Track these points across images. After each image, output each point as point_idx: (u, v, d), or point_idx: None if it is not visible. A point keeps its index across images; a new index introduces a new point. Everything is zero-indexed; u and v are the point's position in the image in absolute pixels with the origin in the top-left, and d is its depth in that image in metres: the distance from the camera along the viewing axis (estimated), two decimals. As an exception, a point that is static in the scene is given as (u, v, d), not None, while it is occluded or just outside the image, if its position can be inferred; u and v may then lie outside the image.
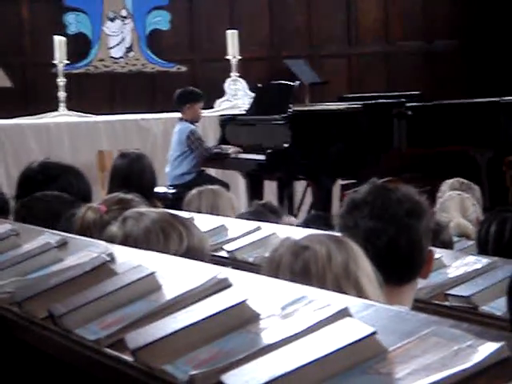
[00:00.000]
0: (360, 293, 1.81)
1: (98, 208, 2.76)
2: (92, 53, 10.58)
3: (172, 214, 2.35)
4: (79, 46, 10.40)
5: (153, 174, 4.84)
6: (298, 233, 2.04)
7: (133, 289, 1.68)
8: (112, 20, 10.68)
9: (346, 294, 1.75)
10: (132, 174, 4.70)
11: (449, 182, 4.92)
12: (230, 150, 7.74)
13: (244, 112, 8.40)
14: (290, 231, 2.96)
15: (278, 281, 1.68)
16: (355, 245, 1.89)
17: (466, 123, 7.58)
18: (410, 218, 2.19)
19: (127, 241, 2.22)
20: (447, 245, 3.48)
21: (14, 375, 1.96)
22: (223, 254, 3.23)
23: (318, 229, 2.63)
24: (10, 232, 2.36)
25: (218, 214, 4.16)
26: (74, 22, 10.46)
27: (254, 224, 3.47)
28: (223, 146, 7.88)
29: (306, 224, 3.95)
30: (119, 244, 2.17)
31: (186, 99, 7.99)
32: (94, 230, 2.70)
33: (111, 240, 2.23)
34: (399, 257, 1.90)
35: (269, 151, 7.12)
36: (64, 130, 8.77)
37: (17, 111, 9.34)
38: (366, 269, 1.87)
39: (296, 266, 1.84)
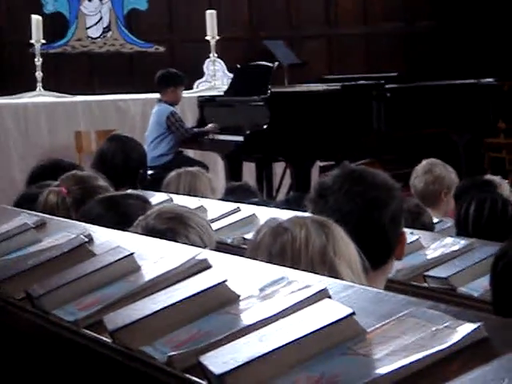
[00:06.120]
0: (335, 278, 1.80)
1: (59, 190, 2.72)
2: (69, 32, 10.50)
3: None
4: (56, 26, 10.30)
5: (141, 157, 4.66)
6: (284, 214, 2.02)
7: (111, 270, 1.67)
8: (90, -1, 10.60)
9: None
10: (122, 157, 4.52)
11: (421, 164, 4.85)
12: (208, 126, 7.71)
13: (222, 93, 8.37)
14: (271, 213, 2.95)
15: (257, 262, 1.68)
16: (339, 229, 1.87)
17: (445, 105, 7.59)
18: (372, 207, 2.16)
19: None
20: (428, 227, 3.49)
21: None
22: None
23: (298, 210, 2.63)
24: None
25: (196, 196, 4.15)
26: (51, 1, 10.35)
27: (233, 205, 3.46)
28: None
29: (286, 204, 3.94)
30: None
31: (170, 82, 7.90)
32: (58, 212, 2.67)
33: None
34: (363, 245, 1.89)
35: (247, 132, 7.11)
36: (41, 111, 8.70)
37: (-7, 91, 9.27)
38: (346, 254, 1.84)
39: (273, 248, 1.84)
